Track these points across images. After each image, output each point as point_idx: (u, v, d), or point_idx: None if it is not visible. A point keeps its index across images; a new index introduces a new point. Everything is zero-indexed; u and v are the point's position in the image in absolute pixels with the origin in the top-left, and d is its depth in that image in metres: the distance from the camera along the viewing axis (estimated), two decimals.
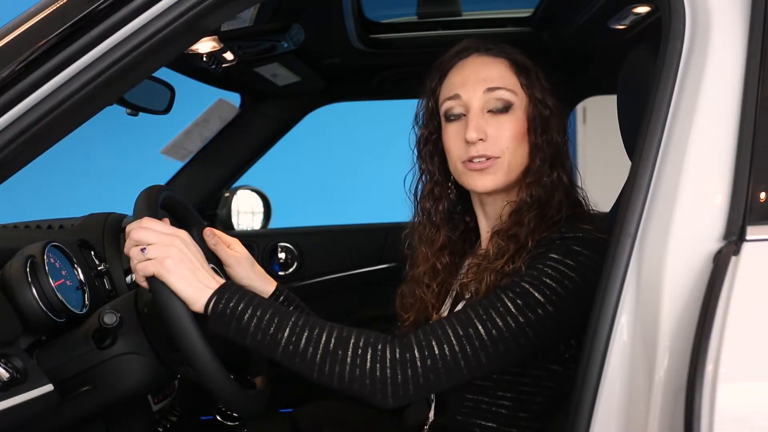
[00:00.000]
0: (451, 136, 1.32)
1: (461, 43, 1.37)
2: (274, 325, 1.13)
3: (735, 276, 0.92)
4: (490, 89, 1.29)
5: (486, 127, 1.28)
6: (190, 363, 1.14)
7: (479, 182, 1.30)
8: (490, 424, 1.27)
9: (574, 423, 1.00)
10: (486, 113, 1.29)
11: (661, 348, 0.95)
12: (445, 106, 1.33)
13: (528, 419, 1.25)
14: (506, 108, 1.29)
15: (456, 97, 1.31)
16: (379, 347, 1.12)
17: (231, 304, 1.14)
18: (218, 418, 1.66)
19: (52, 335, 1.30)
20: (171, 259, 1.14)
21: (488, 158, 1.28)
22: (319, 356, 1.12)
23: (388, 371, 1.11)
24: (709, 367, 0.89)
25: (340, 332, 1.13)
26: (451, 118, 1.32)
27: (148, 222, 1.17)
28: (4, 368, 1.12)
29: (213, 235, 1.38)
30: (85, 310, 1.37)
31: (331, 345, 1.12)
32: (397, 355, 1.12)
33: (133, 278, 1.68)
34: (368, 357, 1.11)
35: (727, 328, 0.89)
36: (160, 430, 1.60)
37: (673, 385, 0.94)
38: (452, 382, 1.14)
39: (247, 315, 1.14)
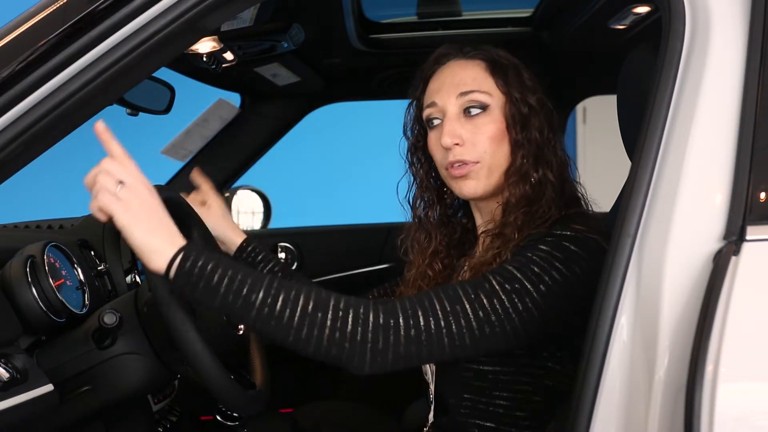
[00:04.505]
0: (433, 143, 1.33)
1: (439, 49, 1.37)
2: (247, 285, 1.05)
3: (735, 276, 0.92)
4: (463, 93, 1.29)
5: (461, 132, 1.28)
6: (190, 363, 1.13)
7: (464, 188, 1.30)
8: (488, 424, 1.27)
9: (574, 423, 1.00)
10: (462, 117, 1.29)
11: (661, 348, 0.95)
12: (425, 114, 1.34)
13: (526, 418, 1.25)
14: (481, 110, 1.29)
15: (433, 104, 1.32)
16: (362, 310, 1.07)
17: (200, 263, 1.06)
18: (218, 418, 1.66)
19: (52, 335, 1.30)
20: (140, 202, 1.06)
21: (466, 163, 1.28)
22: (297, 319, 1.05)
23: (370, 335, 1.06)
24: (709, 367, 0.89)
25: (318, 293, 1.07)
26: (431, 125, 1.33)
27: (124, 158, 1.08)
28: (4, 368, 1.12)
29: (200, 176, 1.45)
30: (85, 310, 1.37)
31: (310, 307, 1.05)
32: (381, 320, 1.07)
33: (133, 278, 1.68)
34: (349, 319, 1.06)
35: (727, 328, 0.89)
36: (160, 430, 1.60)
37: (673, 385, 0.94)
38: (433, 357, 1.11)
39: (217, 275, 1.05)
